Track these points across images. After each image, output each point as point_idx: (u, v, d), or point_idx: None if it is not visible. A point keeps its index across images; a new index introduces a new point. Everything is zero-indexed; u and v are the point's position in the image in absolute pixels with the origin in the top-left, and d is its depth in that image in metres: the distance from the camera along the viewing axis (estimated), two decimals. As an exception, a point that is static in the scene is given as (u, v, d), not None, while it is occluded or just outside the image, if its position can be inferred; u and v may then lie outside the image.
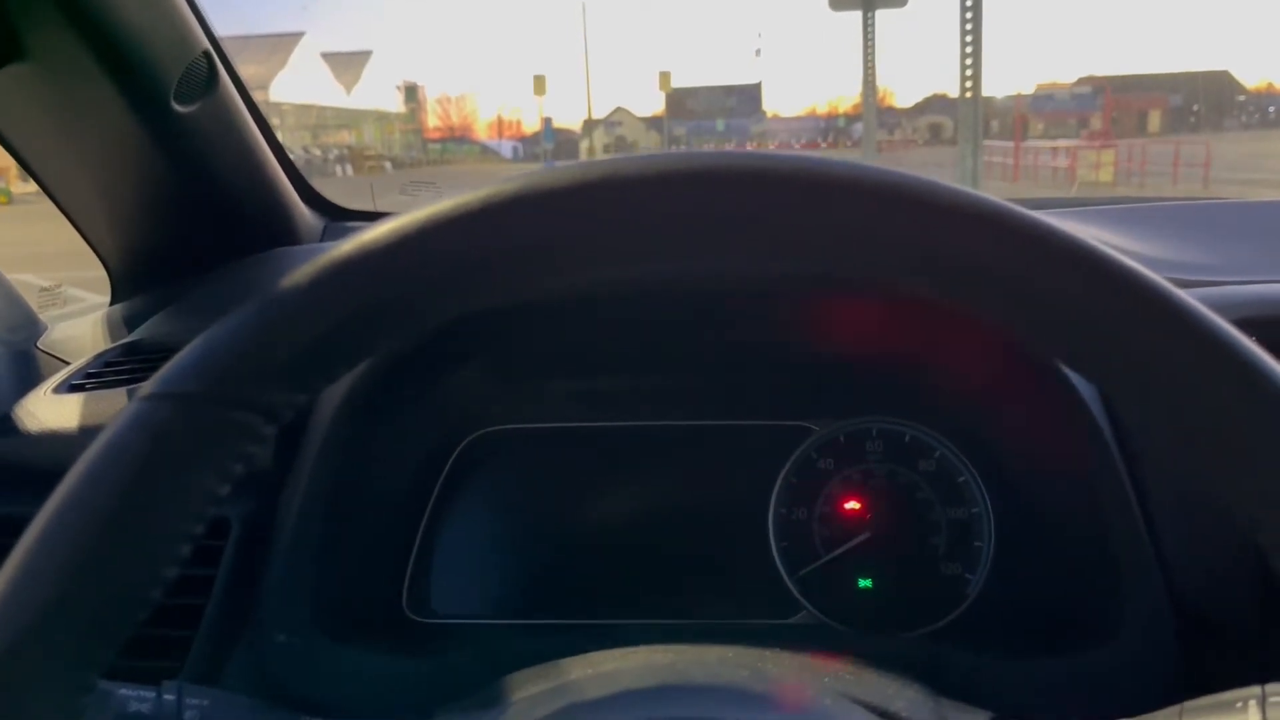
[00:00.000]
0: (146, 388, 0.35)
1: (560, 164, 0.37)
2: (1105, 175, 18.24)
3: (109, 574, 0.34)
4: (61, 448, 0.75)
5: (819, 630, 0.77)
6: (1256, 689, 0.37)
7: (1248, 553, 0.63)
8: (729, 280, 0.69)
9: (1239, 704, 0.37)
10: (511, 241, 0.34)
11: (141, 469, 0.34)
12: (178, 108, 0.83)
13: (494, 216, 0.34)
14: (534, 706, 0.43)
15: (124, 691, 0.42)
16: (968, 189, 0.34)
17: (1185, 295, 0.32)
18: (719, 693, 0.42)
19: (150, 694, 0.43)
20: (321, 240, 1.09)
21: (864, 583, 0.78)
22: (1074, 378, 0.67)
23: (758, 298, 0.74)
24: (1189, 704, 0.39)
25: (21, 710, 0.33)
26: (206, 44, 0.84)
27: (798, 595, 0.78)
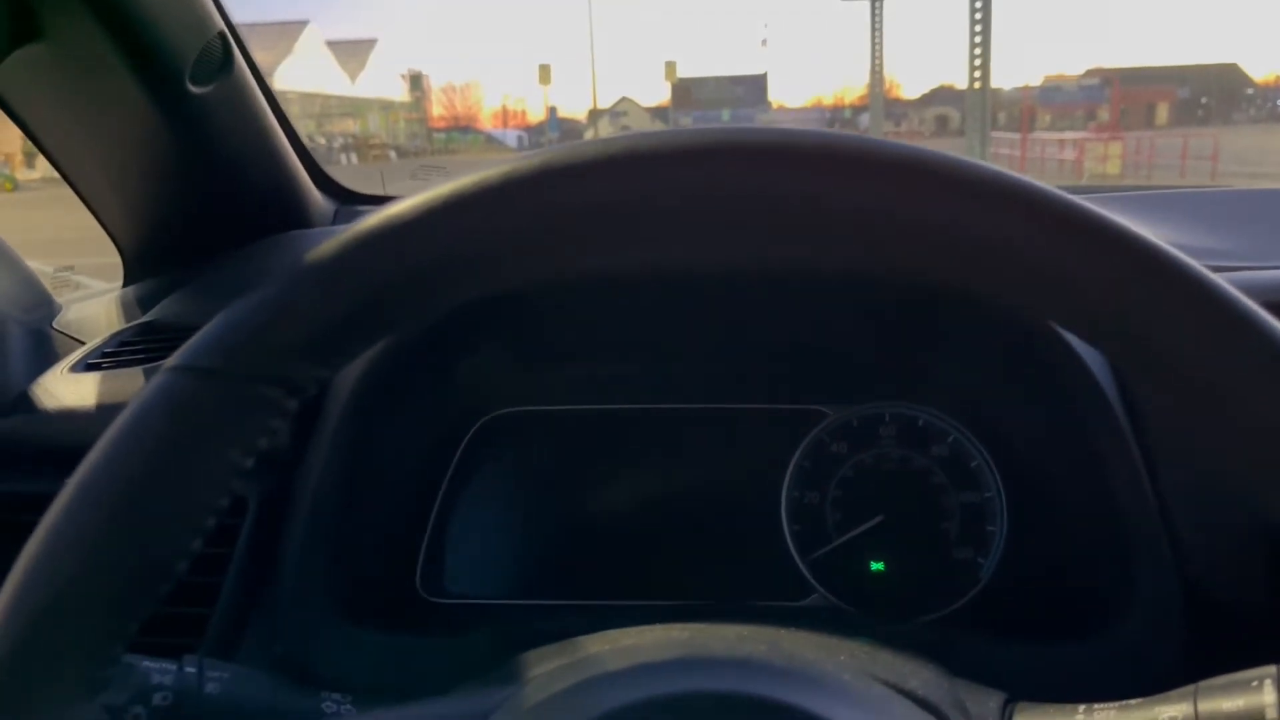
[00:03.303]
0: (172, 360, 0.35)
1: (579, 141, 0.37)
2: (1112, 167, 18.21)
3: (135, 546, 0.34)
4: (78, 426, 0.76)
5: (831, 613, 0.77)
6: (1271, 668, 0.37)
7: (1259, 534, 0.63)
8: (744, 263, 0.69)
9: (1254, 683, 0.37)
10: (533, 218, 0.34)
11: (166, 441, 0.34)
12: (193, 89, 0.83)
13: (516, 192, 0.34)
14: (552, 680, 0.44)
15: (146, 664, 0.42)
16: (987, 164, 0.34)
17: (1214, 275, 0.32)
18: (738, 666, 0.42)
19: (172, 667, 0.43)
20: (333, 224, 1.10)
21: (876, 566, 0.79)
22: (1088, 362, 0.67)
23: (773, 281, 0.74)
24: (1203, 683, 0.39)
25: (49, 681, 0.33)
26: (222, 25, 0.84)
27: (810, 578, 0.79)
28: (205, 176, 0.92)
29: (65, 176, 0.94)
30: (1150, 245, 0.32)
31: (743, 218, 0.34)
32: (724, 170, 0.34)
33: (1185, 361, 0.32)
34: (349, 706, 0.48)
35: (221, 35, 0.84)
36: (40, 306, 0.95)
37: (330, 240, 0.35)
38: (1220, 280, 0.32)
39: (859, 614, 0.77)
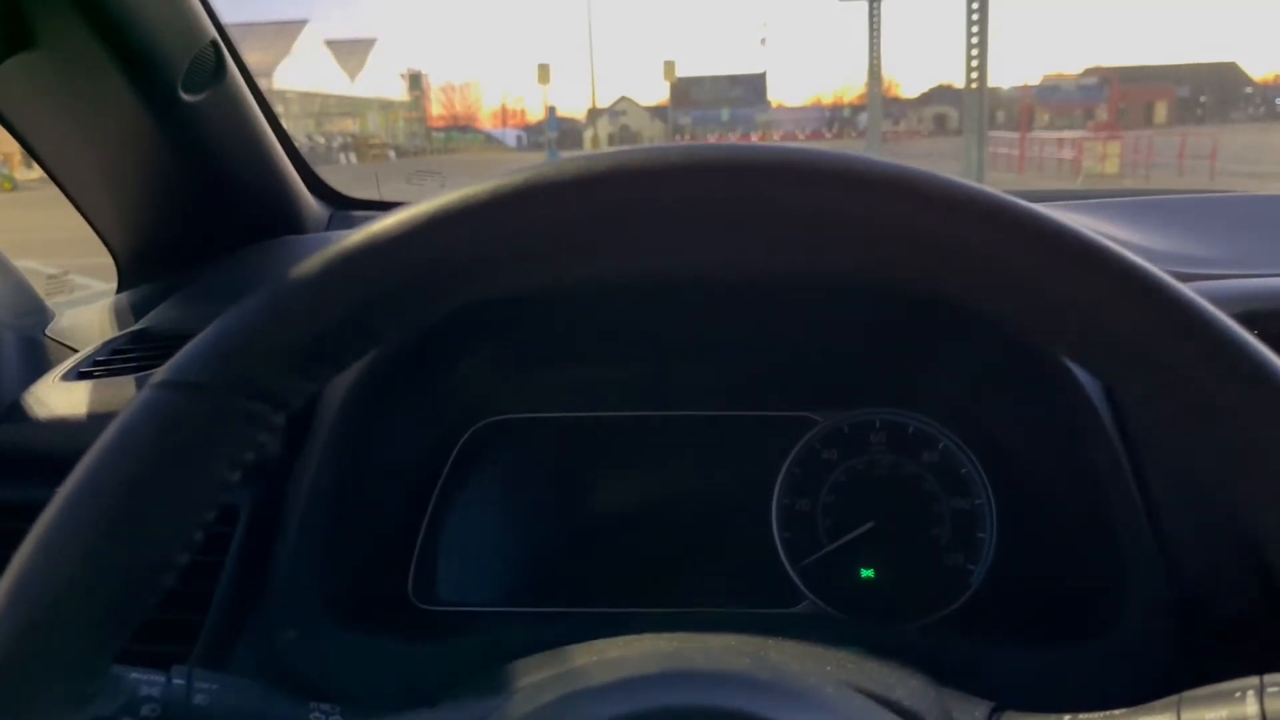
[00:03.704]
0: (158, 376, 0.36)
1: (566, 155, 0.38)
2: (1111, 167, 18.22)
3: (121, 560, 0.34)
4: (71, 435, 0.76)
5: (821, 620, 0.78)
6: (1255, 679, 0.37)
7: (1248, 543, 0.63)
8: (734, 272, 0.70)
9: (1238, 694, 0.37)
10: (518, 233, 0.35)
11: (153, 457, 0.34)
12: (185, 97, 0.83)
13: (501, 208, 0.34)
14: (539, 692, 0.44)
15: (134, 675, 0.42)
16: (968, 181, 0.34)
17: (1184, 287, 0.32)
18: (721, 680, 0.43)
19: (160, 678, 0.43)
20: (327, 229, 1.10)
21: (867, 573, 0.79)
22: (1076, 369, 0.67)
23: (764, 288, 0.74)
24: (1188, 694, 0.39)
25: (35, 693, 0.33)
26: (214, 33, 0.84)
27: (800, 585, 0.79)
28: (198, 183, 0.92)
29: (59, 183, 0.94)
30: (1115, 255, 0.32)
31: (730, 228, 0.34)
32: (711, 185, 0.34)
33: (1158, 378, 0.32)
34: (337, 717, 0.48)
35: (214, 43, 0.84)
36: (33, 313, 0.95)
37: (313, 256, 0.36)
38: (1195, 295, 0.32)
39: (850, 620, 0.78)
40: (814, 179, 0.34)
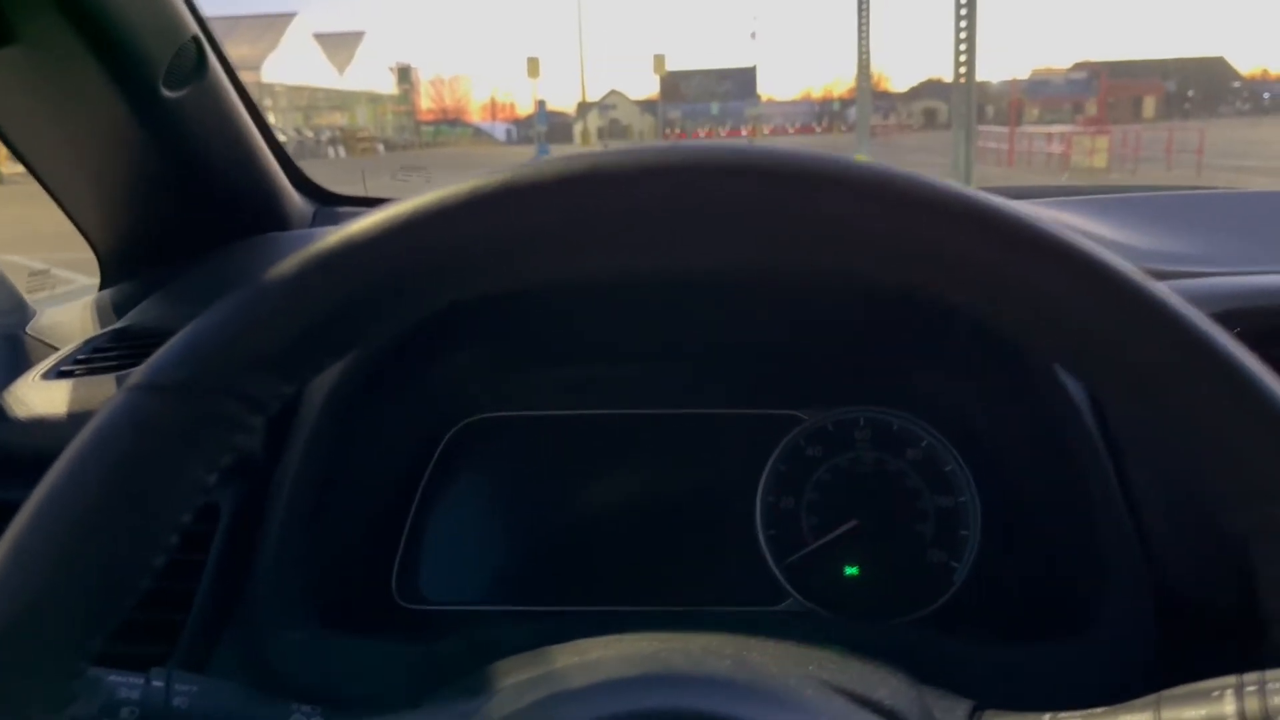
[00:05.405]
0: (133, 378, 0.35)
1: (555, 149, 0.37)
2: (1099, 161, 18.30)
3: (96, 563, 0.34)
4: (50, 434, 0.75)
5: (805, 617, 0.78)
6: (1233, 678, 0.37)
7: (1229, 543, 0.63)
8: (716, 270, 0.69)
9: (1216, 693, 0.37)
10: (496, 233, 0.34)
11: (128, 460, 0.34)
12: (166, 93, 0.82)
13: (479, 209, 0.34)
14: (518, 694, 0.44)
15: (113, 678, 0.42)
16: (941, 181, 0.34)
17: (1159, 286, 0.32)
18: (700, 682, 0.43)
19: (139, 680, 0.43)
20: (312, 225, 1.09)
21: (851, 570, 0.79)
22: (1058, 368, 0.67)
23: (748, 288, 0.74)
24: (1167, 693, 0.39)
25: (11, 697, 0.33)
26: (195, 29, 0.84)
27: (784, 583, 0.79)
28: (181, 180, 0.91)
29: (40, 179, 0.93)
30: (1091, 256, 0.32)
31: (707, 230, 0.34)
32: (688, 187, 0.34)
33: (1132, 378, 0.32)
34: (318, 719, 0.47)
35: (195, 39, 0.83)
36: (13, 311, 0.94)
37: (291, 256, 0.35)
38: (1170, 294, 0.32)
39: (833, 618, 0.78)
40: (792, 181, 0.33)
